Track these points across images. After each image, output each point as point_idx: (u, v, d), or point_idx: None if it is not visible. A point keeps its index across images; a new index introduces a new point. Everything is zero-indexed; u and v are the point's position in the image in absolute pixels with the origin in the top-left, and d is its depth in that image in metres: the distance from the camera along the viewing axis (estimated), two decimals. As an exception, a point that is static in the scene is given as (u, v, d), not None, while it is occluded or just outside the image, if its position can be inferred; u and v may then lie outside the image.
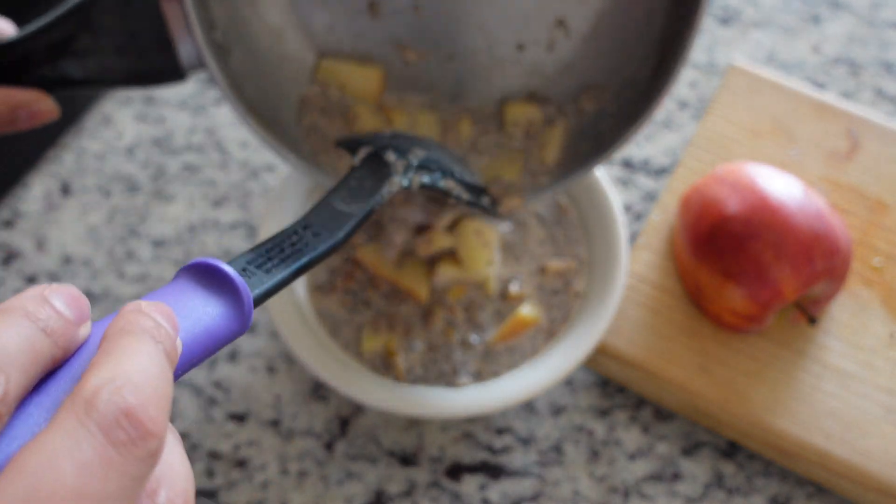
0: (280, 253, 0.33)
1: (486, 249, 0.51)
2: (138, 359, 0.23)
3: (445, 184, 0.44)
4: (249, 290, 0.28)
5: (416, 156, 0.43)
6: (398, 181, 0.41)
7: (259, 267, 0.31)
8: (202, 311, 0.27)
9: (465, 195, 0.45)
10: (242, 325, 0.28)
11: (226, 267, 0.28)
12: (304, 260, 0.33)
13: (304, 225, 0.36)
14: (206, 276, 0.28)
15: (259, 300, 0.30)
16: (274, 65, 0.49)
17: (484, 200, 0.47)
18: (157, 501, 0.23)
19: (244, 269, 0.30)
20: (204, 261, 0.28)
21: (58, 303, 0.25)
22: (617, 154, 0.48)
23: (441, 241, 0.50)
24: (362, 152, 0.42)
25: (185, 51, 0.41)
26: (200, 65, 0.42)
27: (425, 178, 0.43)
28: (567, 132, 0.51)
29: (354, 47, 0.51)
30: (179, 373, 0.26)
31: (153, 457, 0.22)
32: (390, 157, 0.42)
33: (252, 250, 0.32)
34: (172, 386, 0.24)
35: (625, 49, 0.48)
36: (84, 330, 0.25)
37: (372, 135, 0.45)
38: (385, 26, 0.50)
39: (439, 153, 0.46)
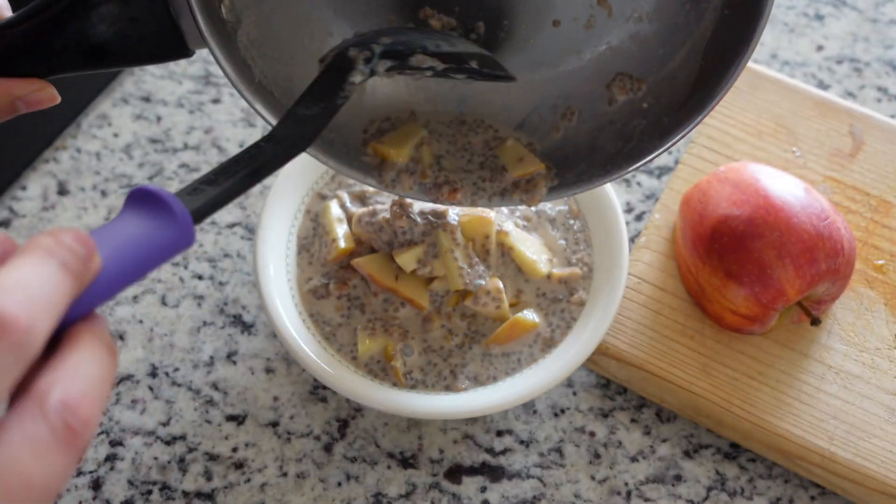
0: (236, 166, 0.34)
1: (499, 297, 0.51)
2: (21, 270, 0.25)
3: (415, 60, 0.43)
4: (180, 202, 0.30)
5: (381, 44, 0.42)
6: (359, 71, 0.41)
7: (211, 183, 0.33)
8: (131, 228, 0.29)
9: (442, 65, 0.43)
10: (180, 235, 0.30)
11: (151, 187, 0.30)
12: (253, 167, 0.34)
13: (267, 138, 0.36)
14: (144, 201, 0.30)
15: (204, 210, 0.32)
16: (287, 31, 0.46)
17: (472, 64, 0.44)
18: (47, 402, 0.25)
19: (195, 189, 0.32)
20: (136, 188, 0.30)
21: None
22: (646, 164, 0.45)
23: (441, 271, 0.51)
24: (328, 57, 0.42)
25: (189, 28, 0.40)
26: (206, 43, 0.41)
27: (389, 63, 0.42)
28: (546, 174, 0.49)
29: (372, 8, 0.48)
30: (117, 284, 0.28)
31: (14, 349, 0.24)
32: (352, 52, 0.41)
33: (211, 170, 0.34)
34: (61, 290, 0.26)
35: (666, 42, 0.46)
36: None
37: (343, 41, 0.44)
38: None
39: (410, 35, 0.44)
